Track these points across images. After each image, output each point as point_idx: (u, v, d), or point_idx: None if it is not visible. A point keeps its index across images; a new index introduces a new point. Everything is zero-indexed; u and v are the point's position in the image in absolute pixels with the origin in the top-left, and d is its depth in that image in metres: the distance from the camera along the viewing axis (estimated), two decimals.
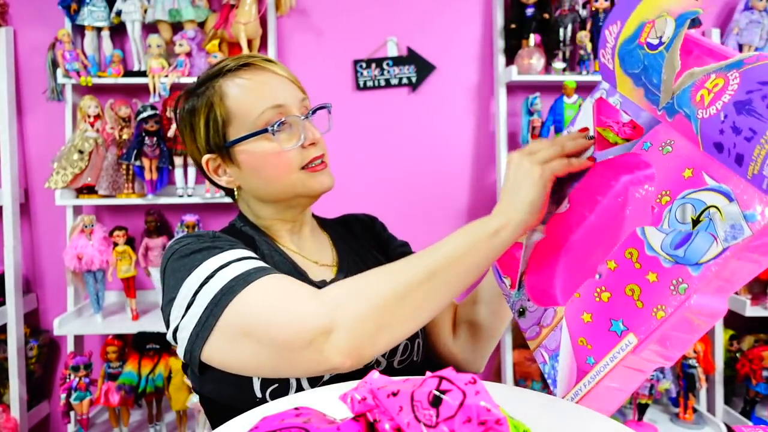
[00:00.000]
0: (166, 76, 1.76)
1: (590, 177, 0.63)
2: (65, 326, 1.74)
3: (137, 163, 1.75)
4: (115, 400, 1.70)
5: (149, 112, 1.74)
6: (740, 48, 1.86)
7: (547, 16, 1.86)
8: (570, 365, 0.57)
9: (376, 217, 1.01)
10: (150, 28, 1.88)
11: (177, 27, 1.86)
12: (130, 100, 1.85)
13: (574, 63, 1.89)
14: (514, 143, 1.97)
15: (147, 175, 1.76)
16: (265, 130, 0.75)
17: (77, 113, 1.81)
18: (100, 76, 1.78)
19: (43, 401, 1.99)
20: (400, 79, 1.96)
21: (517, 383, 1.87)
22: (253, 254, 0.69)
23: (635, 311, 0.52)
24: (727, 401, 1.91)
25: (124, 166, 1.79)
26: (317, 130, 0.80)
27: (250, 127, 0.75)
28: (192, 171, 1.84)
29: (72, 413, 1.76)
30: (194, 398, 1.72)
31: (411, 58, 1.96)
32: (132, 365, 1.77)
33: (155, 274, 1.85)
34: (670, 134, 0.55)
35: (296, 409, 0.43)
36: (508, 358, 1.86)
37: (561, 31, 1.81)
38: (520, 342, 1.89)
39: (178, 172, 1.82)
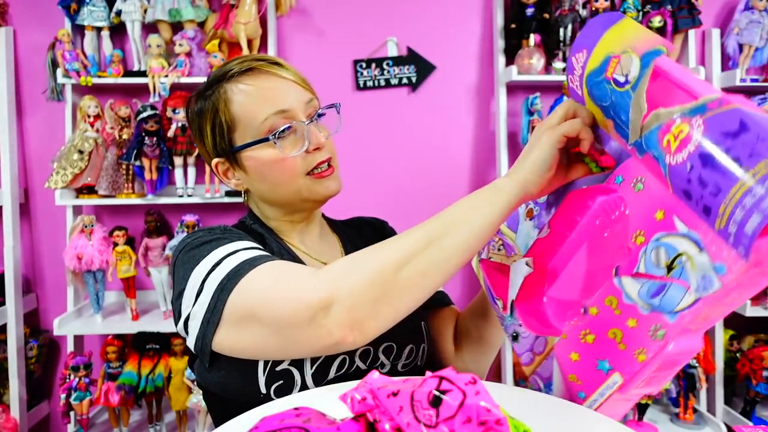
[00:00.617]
0: (166, 76, 1.76)
1: (567, 203, 0.64)
2: (65, 326, 1.74)
3: (137, 163, 1.75)
4: (115, 400, 1.70)
5: (149, 112, 1.74)
6: (740, 48, 1.86)
7: (547, 16, 1.86)
8: (563, 397, 0.60)
9: (386, 221, 1.01)
10: (150, 28, 1.88)
11: (177, 27, 1.86)
12: (130, 100, 1.85)
13: None
14: (514, 143, 1.97)
15: (147, 175, 1.76)
16: (267, 139, 0.74)
17: (77, 113, 1.81)
18: (99, 76, 1.78)
19: (43, 401, 1.99)
20: (400, 79, 1.96)
21: (517, 383, 1.87)
22: (260, 246, 0.70)
23: (619, 353, 0.54)
24: (727, 401, 1.91)
25: (124, 166, 1.79)
26: (324, 133, 0.79)
27: (254, 134, 0.75)
28: (192, 171, 1.84)
29: (72, 413, 1.76)
30: (194, 398, 1.72)
31: (411, 58, 1.96)
32: (132, 365, 1.77)
33: (155, 274, 1.85)
34: (641, 171, 0.55)
35: (296, 409, 0.43)
36: (508, 358, 1.86)
37: (561, 31, 1.81)
38: None
39: (178, 172, 1.82)
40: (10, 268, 1.82)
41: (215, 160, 0.80)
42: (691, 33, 1.88)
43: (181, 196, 1.81)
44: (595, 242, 0.58)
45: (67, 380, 1.72)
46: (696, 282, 0.48)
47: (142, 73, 1.80)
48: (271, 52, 1.87)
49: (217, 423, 0.78)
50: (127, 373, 1.75)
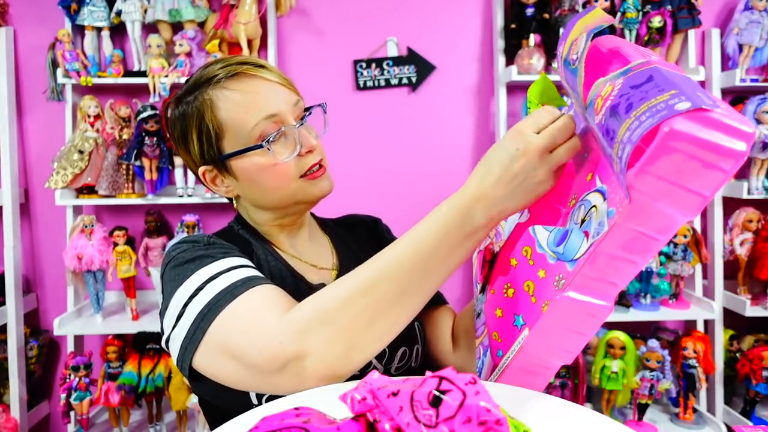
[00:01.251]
0: (166, 76, 1.76)
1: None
2: (65, 326, 1.74)
3: (137, 163, 1.75)
4: (115, 400, 1.70)
5: (149, 112, 1.74)
6: (740, 48, 1.86)
7: (547, 16, 1.86)
8: (489, 359, 0.60)
9: (379, 218, 1.00)
10: (150, 28, 1.88)
11: (177, 27, 1.86)
12: (130, 100, 1.85)
13: None
14: None
15: (147, 175, 1.76)
16: (260, 146, 0.73)
17: (77, 113, 1.81)
18: (100, 76, 1.78)
19: (43, 401, 1.99)
20: (400, 79, 1.96)
21: None
22: (244, 262, 0.69)
23: (530, 306, 0.54)
24: (727, 401, 1.91)
25: (124, 166, 1.79)
26: (313, 134, 0.78)
27: (244, 141, 0.73)
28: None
29: (72, 413, 1.76)
30: (194, 398, 1.72)
31: (411, 58, 1.96)
32: (132, 365, 1.77)
33: (155, 274, 1.85)
34: (590, 142, 0.57)
35: (296, 409, 0.43)
36: None
37: (561, 31, 1.81)
38: None
39: (178, 172, 1.82)
40: (10, 268, 1.82)
41: (202, 168, 0.78)
42: (691, 33, 1.88)
43: (181, 196, 1.81)
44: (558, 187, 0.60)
45: (68, 380, 1.72)
46: (594, 229, 0.48)
47: (143, 73, 1.80)
48: (271, 52, 1.87)
49: (213, 426, 0.78)
50: (127, 373, 1.75)
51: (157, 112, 1.77)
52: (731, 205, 1.88)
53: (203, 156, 0.76)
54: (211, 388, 0.71)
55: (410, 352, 0.79)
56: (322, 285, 0.78)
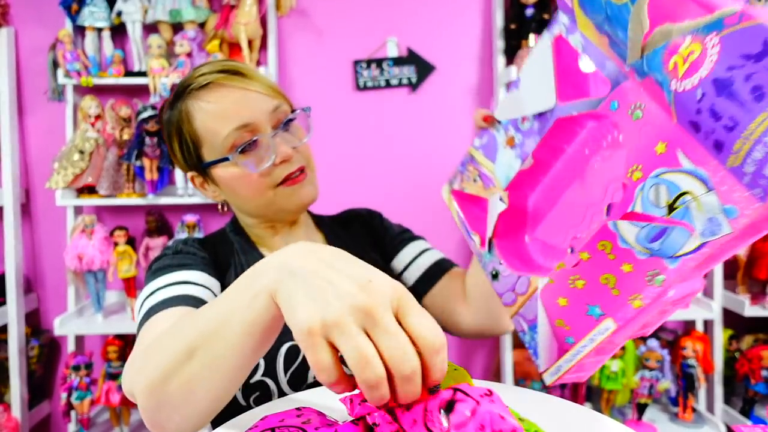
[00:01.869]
0: (167, 76, 1.76)
1: (553, 131, 0.57)
2: (66, 326, 1.74)
3: (138, 163, 1.76)
4: (116, 399, 1.71)
5: (150, 113, 1.74)
6: None
7: (547, 16, 1.86)
8: (549, 341, 0.56)
9: (377, 212, 0.99)
10: (150, 28, 1.88)
11: (177, 27, 1.86)
12: (131, 100, 1.85)
13: None
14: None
15: (147, 175, 1.76)
16: (228, 158, 0.73)
17: (78, 113, 1.82)
18: (100, 77, 1.79)
19: (44, 401, 1.99)
20: (400, 79, 1.97)
21: (517, 383, 1.87)
22: (188, 276, 0.70)
23: (611, 298, 0.50)
24: (727, 401, 1.91)
25: (124, 166, 1.80)
26: (292, 142, 0.76)
27: (219, 151, 0.74)
28: None
29: (73, 413, 1.77)
30: None
31: (411, 58, 1.97)
32: None
33: None
34: (640, 96, 0.47)
35: (298, 409, 0.44)
36: (508, 358, 1.87)
37: None
38: (519, 342, 1.90)
39: (179, 173, 1.82)
40: (11, 268, 1.82)
41: (189, 173, 0.80)
42: None
43: (182, 196, 1.81)
44: (585, 174, 0.53)
45: (68, 380, 1.72)
46: (702, 225, 0.42)
47: (143, 74, 1.80)
48: (272, 52, 1.87)
49: (213, 426, 0.78)
50: None
51: (158, 112, 1.77)
52: None
53: (186, 162, 0.78)
54: None
55: None
56: None
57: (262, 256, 0.80)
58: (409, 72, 1.97)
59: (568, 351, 0.54)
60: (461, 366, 2.03)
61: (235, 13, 1.80)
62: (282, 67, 1.96)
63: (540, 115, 0.59)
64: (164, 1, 1.78)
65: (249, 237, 0.83)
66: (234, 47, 1.88)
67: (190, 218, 1.82)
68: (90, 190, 1.81)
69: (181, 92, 0.76)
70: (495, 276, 0.63)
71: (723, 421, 1.80)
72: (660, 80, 0.44)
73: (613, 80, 0.50)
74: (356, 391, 0.39)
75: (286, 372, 0.69)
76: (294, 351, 0.71)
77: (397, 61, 1.96)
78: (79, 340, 1.89)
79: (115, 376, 1.76)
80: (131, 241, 1.83)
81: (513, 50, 1.89)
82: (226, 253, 0.79)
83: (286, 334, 0.68)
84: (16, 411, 1.82)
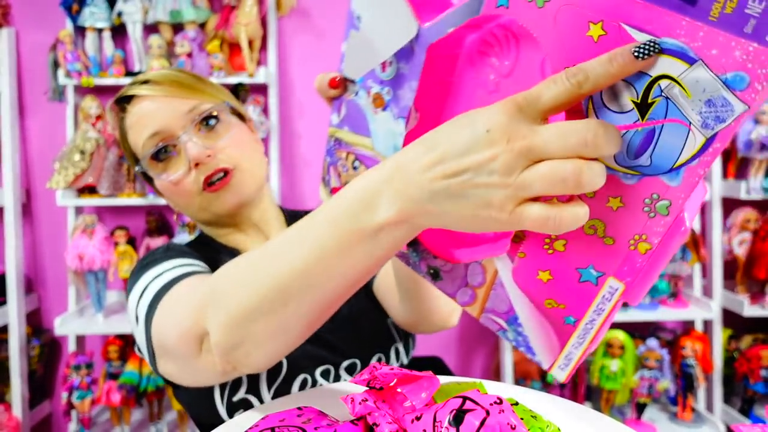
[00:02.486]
0: None
1: (429, 67, 0.44)
2: (67, 326, 1.74)
3: None
4: (117, 399, 1.71)
5: None
6: None
7: None
8: (542, 329, 0.45)
9: None
10: (151, 28, 1.88)
11: (178, 28, 1.86)
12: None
13: None
14: None
15: None
16: (137, 167, 0.73)
17: (78, 114, 1.82)
18: (101, 77, 1.79)
19: (44, 400, 1.99)
20: None
21: (516, 382, 1.88)
22: (193, 261, 0.68)
23: (606, 250, 0.39)
24: (726, 400, 1.91)
25: (125, 166, 1.80)
26: (211, 140, 0.71)
27: (141, 162, 0.74)
28: None
29: (73, 412, 1.77)
30: None
31: None
32: (133, 364, 1.78)
33: None
34: None
35: (299, 408, 0.44)
36: (508, 357, 1.87)
37: None
38: None
39: None
40: (12, 268, 1.82)
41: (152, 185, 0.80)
42: None
43: None
44: (491, 102, 0.36)
45: (69, 379, 1.72)
46: (700, 114, 0.31)
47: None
48: (272, 52, 1.88)
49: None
50: (128, 373, 1.76)
51: None
52: (729, 205, 1.88)
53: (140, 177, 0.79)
54: (183, 399, 0.72)
55: (387, 356, 0.76)
56: None
57: None
58: None
59: (573, 333, 0.43)
60: (461, 366, 2.03)
61: (236, 14, 1.80)
62: (282, 68, 1.96)
63: (402, 53, 0.45)
64: (165, 1, 1.78)
65: (224, 245, 0.80)
66: (234, 47, 1.88)
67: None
68: (90, 190, 1.81)
69: (119, 113, 0.77)
70: (435, 275, 0.50)
71: (722, 421, 1.80)
72: None
73: None
74: (359, 391, 0.39)
75: (269, 389, 0.68)
76: (277, 367, 0.69)
77: None
78: (80, 339, 1.89)
79: (115, 376, 1.76)
80: (132, 241, 1.83)
81: None
82: (212, 256, 0.76)
83: None
84: (17, 410, 1.82)
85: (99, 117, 1.79)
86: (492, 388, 0.58)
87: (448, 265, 0.48)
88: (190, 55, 1.82)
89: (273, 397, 0.68)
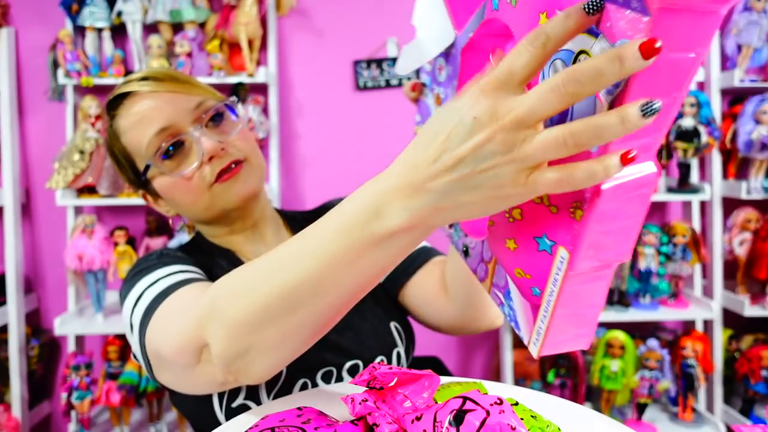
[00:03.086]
0: None
1: (465, 67, 0.49)
2: (66, 326, 1.74)
3: None
4: (116, 399, 1.71)
5: None
6: (739, 48, 1.86)
7: None
8: (522, 302, 0.47)
9: None
10: (150, 28, 1.88)
11: (177, 27, 1.86)
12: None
13: None
14: None
15: None
16: (149, 165, 0.71)
17: (78, 113, 1.82)
18: (100, 77, 1.79)
19: (44, 401, 1.99)
20: (400, 79, 1.97)
21: (516, 383, 1.88)
22: (188, 267, 0.67)
23: (553, 219, 0.40)
24: (726, 401, 1.91)
25: None
26: (222, 135, 0.71)
27: (145, 160, 0.71)
28: None
29: (73, 412, 1.76)
30: None
31: None
32: (133, 365, 1.78)
33: None
34: None
35: (299, 409, 0.44)
36: (508, 358, 1.87)
37: None
38: (519, 342, 1.90)
39: None
40: (11, 268, 1.82)
41: (140, 192, 0.78)
42: None
43: None
44: None
45: (68, 380, 1.72)
46: None
47: None
48: (272, 52, 1.87)
49: None
50: (127, 373, 1.75)
51: None
52: (730, 205, 1.88)
53: (130, 181, 0.77)
54: (181, 404, 0.71)
55: (389, 359, 0.76)
56: None
57: (241, 261, 0.78)
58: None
59: (540, 306, 0.44)
60: (461, 366, 2.03)
61: (235, 13, 1.80)
62: (282, 68, 1.96)
63: (447, 56, 0.52)
64: (164, 1, 1.78)
65: (221, 246, 0.79)
66: (234, 47, 1.88)
67: None
68: (90, 190, 1.81)
69: (107, 115, 0.75)
70: (466, 252, 0.56)
71: (723, 421, 1.80)
72: None
73: None
74: (358, 391, 0.39)
75: (269, 394, 0.67)
76: (277, 373, 0.68)
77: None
78: (80, 339, 1.89)
79: (115, 376, 1.76)
80: (131, 241, 1.83)
81: None
82: (207, 260, 0.76)
83: None
84: (17, 411, 1.82)
85: (98, 117, 1.79)
86: (492, 388, 0.58)
87: (473, 242, 0.53)
88: (189, 54, 1.81)
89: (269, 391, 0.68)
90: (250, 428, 0.43)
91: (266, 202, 0.82)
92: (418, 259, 0.83)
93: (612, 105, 0.33)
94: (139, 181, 0.75)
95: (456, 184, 0.36)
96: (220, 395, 0.67)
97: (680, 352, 1.78)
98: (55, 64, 1.80)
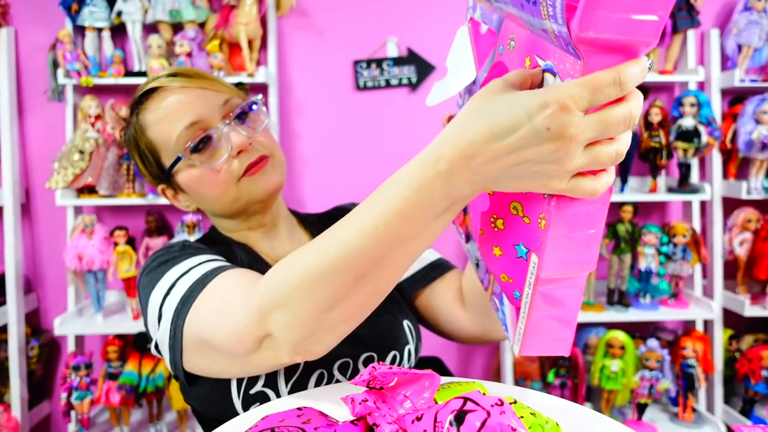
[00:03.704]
0: None
1: None
2: (66, 326, 1.74)
3: None
4: (116, 399, 1.71)
5: None
6: (739, 48, 1.86)
7: None
8: (509, 305, 0.52)
9: None
10: (150, 28, 1.88)
11: (177, 27, 1.86)
12: (131, 100, 1.85)
13: None
14: None
15: None
16: (180, 158, 0.72)
17: (78, 113, 1.82)
18: (100, 77, 1.79)
19: (44, 401, 1.99)
20: (400, 79, 1.97)
21: (516, 383, 1.88)
22: (216, 257, 0.68)
23: (526, 228, 0.46)
24: (727, 401, 1.91)
25: (124, 166, 1.80)
26: (248, 131, 0.74)
27: (174, 154, 0.73)
28: None
29: (73, 413, 1.76)
30: None
31: (411, 58, 1.97)
32: (132, 365, 1.77)
33: None
34: (511, 28, 0.49)
35: (299, 409, 0.44)
36: (508, 358, 1.87)
37: None
38: None
39: None
40: (11, 268, 1.82)
41: (159, 187, 0.80)
42: (690, 33, 1.88)
43: None
44: None
45: (68, 380, 1.72)
46: None
47: (143, 74, 1.80)
48: (272, 52, 1.87)
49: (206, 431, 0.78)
50: (127, 373, 1.75)
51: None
52: (730, 205, 1.88)
53: (151, 175, 0.78)
54: (198, 396, 0.71)
55: (401, 355, 0.78)
56: None
57: (260, 257, 0.79)
58: (409, 72, 1.97)
59: (520, 308, 0.49)
60: (461, 366, 2.03)
61: (235, 13, 1.80)
62: (282, 67, 1.96)
63: (469, 91, 0.62)
64: (164, 1, 1.78)
65: (237, 241, 0.81)
66: (234, 47, 1.88)
67: (190, 218, 1.82)
68: (90, 190, 1.81)
69: (132, 108, 0.77)
70: (477, 264, 0.63)
71: (723, 421, 1.80)
72: (507, 1, 0.44)
73: (498, 30, 0.53)
74: (358, 391, 0.39)
75: (287, 383, 0.68)
76: (295, 364, 0.70)
77: (397, 61, 1.96)
78: (79, 340, 1.89)
79: (114, 376, 1.76)
80: (131, 241, 1.82)
81: None
82: (227, 252, 0.78)
83: None
84: (16, 411, 1.82)
85: (98, 117, 1.79)
86: (491, 388, 0.58)
87: (480, 254, 0.59)
88: (189, 54, 1.81)
89: (290, 391, 0.68)
90: (250, 428, 0.43)
91: (281, 201, 0.84)
92: (437, 269, 0.87)
93: None
94: (163, 175, 0.76)
95: (513, 173, 0.41)
96: (239, 381, 0.67)
97: (680, 352, 1.78)
98: (55, 64, 1.80)
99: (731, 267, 1.93)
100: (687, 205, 1.93)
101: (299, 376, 0.69)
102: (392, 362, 0.77)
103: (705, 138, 1.77)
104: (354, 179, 1.98)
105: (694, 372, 1.75)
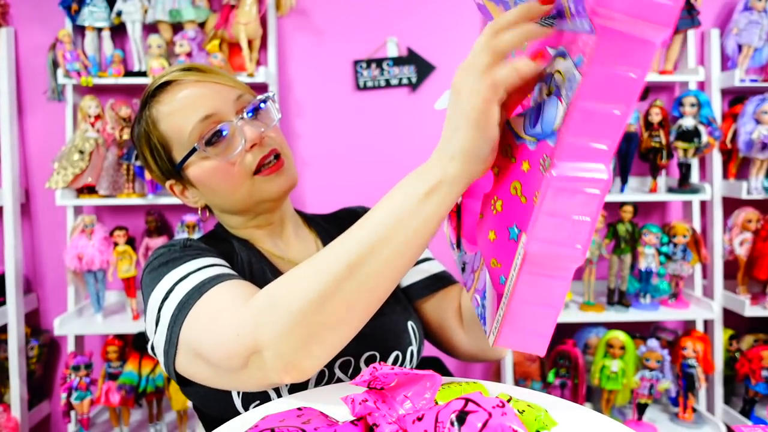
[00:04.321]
0: None
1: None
2: (66, 326, 1.74)
3: (138, 163, 1.76)
4: (116, 399, 1.71)
5: None
6: (740, 48, 1.86)
7: None
8: (492, 293, 0.52)
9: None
10: (150, 28, 1.88)
11: (177, 27, 1.86)
12: (131, 100, 1.85)
13: None
14: None
15: (147, 175, 1.76)
16: (196, 149, 0.72)
17: (78, 113, 1.82)
18: (100, 77, 1.79)
19: (43, 401, 1.99)
20: (400, 79, 1.97)
21: (516, 383, 1.87)
22: (217, 261, 0.68)
23: (522, 209, 0.46)
24: (727, 401, 1.91)
25: (124, 166, 1.80)
26: (261, 126, 0.74)
27: (187, 148, 0.73)
28: None
29: (72, 413, 1.76)
30: None
31: (411, 58, 1.96)
32: (132, 365, 1.77)
33: None
34: None
35: (299, 409, 0.44)
36: (508, 358, 1.87)
37: None
38: None
39: None
40: (11, 268, 1.82)
41: (168, 183, 0.79)
42: (691, 33, 1.88)
43: None
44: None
45: (68, 380, 1.72)
46: (566, 89, 0.42)
47: (143, 74, 1.80)
48: (272, 52, 1.87)
49: (208, 430, 0.78)
50: (127, 373, 1.75)
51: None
52: (730, 205, 1.88)
53: (161, 170, 0.77)
54: (198, 394, 0.71)
55: (403, 355, 0.78)
56: None
57: (261, 254, 0.79)
58: (409, 72, 1.96)
59: (503, 294, 0.48)
60: (461, 366, 2.03)
61: (235, 13, 1.80)
62: (282, 67, 1.96)
63: None
64: (164, 1, 1.78)
65: (240, 238, 0.81)
66: (234, 47, 1.88)
67: (190, 218, 1.82)
68: (90, 190, 1.81)
69: (144, 103, 0.76)
70: (463, 268, 0.64)
71: (723, 422, 1.80)
72: None
73: None
74: (358, 392, 0.39)
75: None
76: None
77: (397, 61, 1.96)
78: (79, 340, 1.89)
79: (114, 376, 1.76)
80: (131, 241, 1.82)
81: None
82: (228, 250, 0.78)
83: None
84: (16, 411, 1.81)
85: (98, 117, 1.79)
86: (491, 388, 0.58)
87: (468, 256, 0.60)
88: (189, 54, 1.81)
89: (290, 391, 0.68)
90: (250, 428, 0.43)
91: (289, 199, 0.84)
92: (441, 281, 0.87)
93: (567, 107, 0.41)
94: (173, 169, 0.76)
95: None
96: None
97: (681, 352, 1.78)
98: (55, 64, 1.80)
99: (731, 267, 1.93)
100: (687, 205, 1.93)
101: None
102: (394, 362, 0.76)
103: (705, 138, 1.77)
104: (354, 179, 1.98)
105: (695, 372, 1.75)
